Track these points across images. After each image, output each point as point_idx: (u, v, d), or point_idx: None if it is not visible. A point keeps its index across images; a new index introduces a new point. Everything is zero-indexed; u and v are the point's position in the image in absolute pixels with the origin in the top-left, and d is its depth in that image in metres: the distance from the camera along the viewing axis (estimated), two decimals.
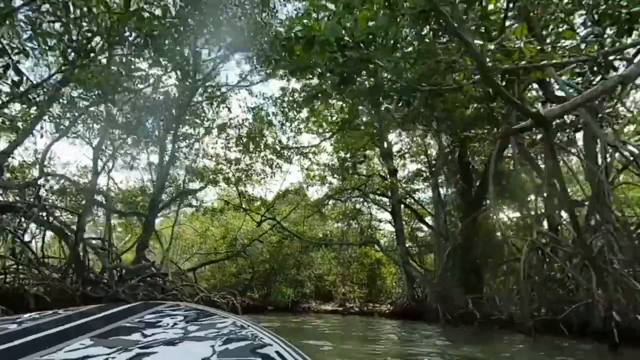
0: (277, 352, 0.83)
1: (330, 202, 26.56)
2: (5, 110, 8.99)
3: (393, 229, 33.99)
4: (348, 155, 17.96)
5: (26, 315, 1.11)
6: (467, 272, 17.61)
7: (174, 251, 25.83)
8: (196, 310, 1.25)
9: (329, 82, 6.14)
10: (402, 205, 20.59)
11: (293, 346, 0.89)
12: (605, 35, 5.55)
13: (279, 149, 17.34)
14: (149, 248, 17.61)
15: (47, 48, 6.58)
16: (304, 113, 19.06)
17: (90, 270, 9.78)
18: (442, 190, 21.29)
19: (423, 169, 21.86)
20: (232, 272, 29.43)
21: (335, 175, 20.27)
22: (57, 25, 6.59)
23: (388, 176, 18.22)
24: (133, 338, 0.88)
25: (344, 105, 15.79)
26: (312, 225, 30.60)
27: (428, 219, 23.93)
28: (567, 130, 13.04)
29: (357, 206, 24.55)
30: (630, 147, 8.46)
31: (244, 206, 18.53)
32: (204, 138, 15.95)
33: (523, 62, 4.91)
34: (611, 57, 5.54)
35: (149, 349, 0.80)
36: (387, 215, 27.81)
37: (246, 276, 29.28)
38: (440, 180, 19.50)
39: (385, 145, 18.01)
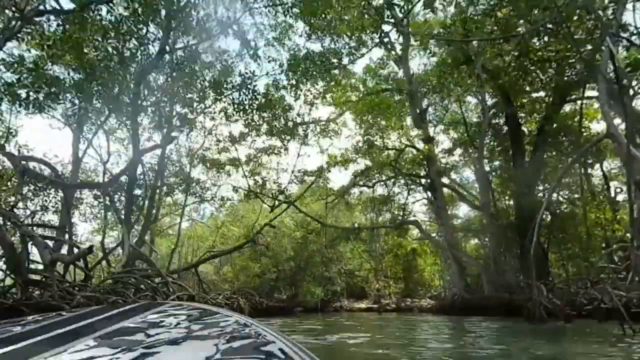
0: (281, 350, 0.81)
1: (356, 189, 23.67)
2: None
3: (425, 218, 30.85)
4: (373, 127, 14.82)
5: (30, 318, 1.13)
6: (527, 254, 14.41)
7: (188, 251, 23.44)
8: (199, 309, 1.23)
9: None
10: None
11: (297, 344, 0.86)
12: None
13: (290, 124, 14.35)
14: (152, 247, 15.33)
15: None
16: (320, 85, 16.25)
17: (33, 270, 7.38)
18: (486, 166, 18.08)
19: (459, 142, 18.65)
20: (256, 273, 27.06)
21: (360, 154, 17.24)
22: None
23: (423, 146, 15.04)
24: (137, 338, 0.87)
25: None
26: (337, 217, 27.80)
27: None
28: None
29: (388, 190, 21.46)
30: None
31: (255, 190, 15.65)
32: (198, 111, 12.87)
33: None
34: None
35: (153, 348, 0.79)
36: (421, 200, 24.74)
37: (271, 276, 26.84)
38: (485, 150, 16.18)
39: (418, 111, 14.94)
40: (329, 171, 17.84)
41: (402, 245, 27.00)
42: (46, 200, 11.16)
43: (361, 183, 22.16)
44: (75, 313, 1.15)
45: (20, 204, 9.34)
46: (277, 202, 16.26)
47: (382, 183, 21.62)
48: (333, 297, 27.09)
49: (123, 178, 11.21)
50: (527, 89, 14.76)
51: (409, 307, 25.38)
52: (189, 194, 15.53)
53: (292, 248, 27.98)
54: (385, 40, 14.73)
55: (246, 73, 10.58)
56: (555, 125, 14.68)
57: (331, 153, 19.42)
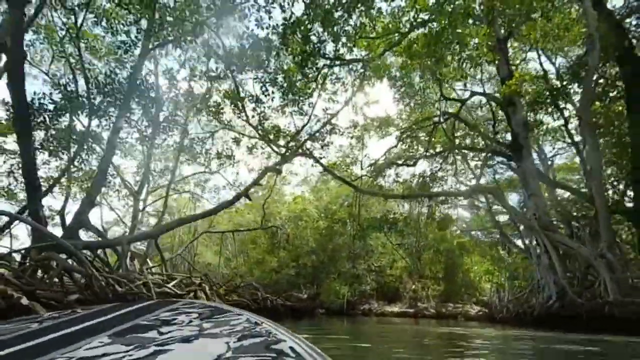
0: (291, 348, 0.79)
1: (392, 171, 18.88)
2: None
3: (467, 213, 25.66)
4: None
5: (46, 315, 1.14)
6: None
7: (185, 230, 19.20)
8: (211, 307, 1.22)
9: None
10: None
11: (307, 342, 0.84)
12: None
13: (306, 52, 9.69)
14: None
15: None
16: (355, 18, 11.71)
17: None
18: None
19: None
20: (273, 267, 22.81)
21: (407, 109, 12.53)
22: None
23: (503, 87, 10.12)
24: (150, 335, 0.86)
25: None
26: (367, 207, 23.22)
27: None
28: None
29: (434, 166, 16.59)
30: None
31: (259, 131, 11.07)
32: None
33: None
34: None
35: (165, 346, 0.78)
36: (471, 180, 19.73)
37: (289, 271, 22.52)
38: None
39: (497, 40, 10.10)
40: (365, 129, 13.19)
41: (444, 239, 22.09)
42: None
43: (400, 162, 17.48)
44: (90, 311, 1.11)
45: None
46: (288, 147, 11.64)
47: (426, 159, 16.88)
48: (361, 298, 22.43)
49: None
50: None
51: (451, 313, 20.61)
52: (178, 144, 11.03)
53: (315, 240, 23.61)
54: None
55: None
56: None
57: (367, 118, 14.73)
